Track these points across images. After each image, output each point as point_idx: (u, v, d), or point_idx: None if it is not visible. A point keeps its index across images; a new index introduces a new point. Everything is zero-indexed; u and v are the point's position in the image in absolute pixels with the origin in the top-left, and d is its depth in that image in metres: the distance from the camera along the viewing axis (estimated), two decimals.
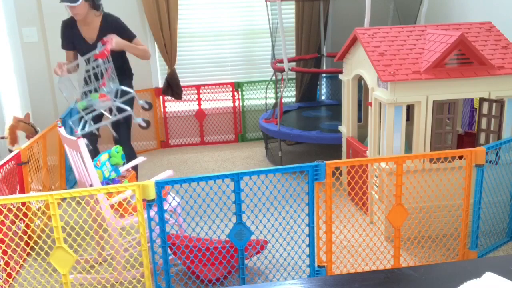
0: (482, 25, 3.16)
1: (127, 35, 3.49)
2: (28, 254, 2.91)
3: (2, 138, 3.70)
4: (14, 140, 3.66)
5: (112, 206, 2.54)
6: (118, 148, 2.81)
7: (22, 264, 2.80)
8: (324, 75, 5.35)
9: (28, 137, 3.67)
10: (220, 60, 5.18)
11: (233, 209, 2.28)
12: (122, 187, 2.16)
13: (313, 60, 5.11)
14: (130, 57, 4.87)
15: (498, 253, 2.77)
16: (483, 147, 2.48)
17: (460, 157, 2.72)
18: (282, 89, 4.29)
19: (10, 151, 3.41)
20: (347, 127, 3.57)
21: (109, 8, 4.76)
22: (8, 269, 2.54)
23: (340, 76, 3.61)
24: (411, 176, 2.67)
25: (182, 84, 5.01)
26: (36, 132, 3.78)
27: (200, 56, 5.13)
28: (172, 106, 5.15)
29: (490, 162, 2.61)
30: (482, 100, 2.83)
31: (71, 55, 3.57)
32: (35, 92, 4.63)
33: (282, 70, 4.19)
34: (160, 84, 5.10)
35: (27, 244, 2.73)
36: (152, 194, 2.12)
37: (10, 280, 2.57)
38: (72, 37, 3.50)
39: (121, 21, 3.53)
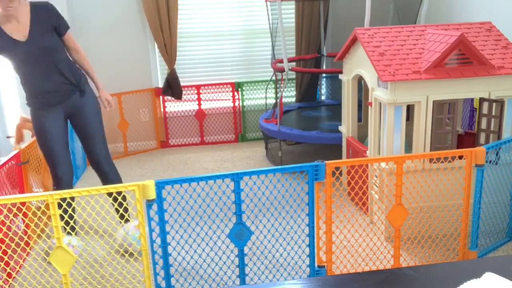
0: (482, 25, 3.16)
1: (64, 26, 2.87)
2: (28, 254, 2.91)
3: (9, 137, 3.70)
4: (20, 139, 3.67)
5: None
6: None
7: (22, 264, 2.80)
8: (324, 75, 5.35)
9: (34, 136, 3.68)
10: (220, 60, 5.18)
11: (233, 209, 2.27)
12: (122, 187, 2.15)
13: (313, 60, 5.11)
14: (129, 54, 4.92)
15: (498, 253, 2.77)
16: (483, 147, 2.48)
17: (460, 157, 2.72)
18: (282, 89, 4.28)
19: None
20: (347, 127, 3.57)
21: (109, 7, 4.79)
22: (8, 269, 2.54)
23: (340, 76, 3.61)
24: (411, 176, 2.67)
25: (182, 84, 5.01)
26: None
27: (200, 56, 5.13)
28: (172, 106, 5.14)
29: (490, 162, 2.61)
30: (482, 100, 2.83)
31: None
32: None
33: (282, 70, 4.18)
34: (160, 84, 5.10)
35: (27, 244, 2.73)
36: (152, 194, 2.12)
37: (10, 280, 2.57)
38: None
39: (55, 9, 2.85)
